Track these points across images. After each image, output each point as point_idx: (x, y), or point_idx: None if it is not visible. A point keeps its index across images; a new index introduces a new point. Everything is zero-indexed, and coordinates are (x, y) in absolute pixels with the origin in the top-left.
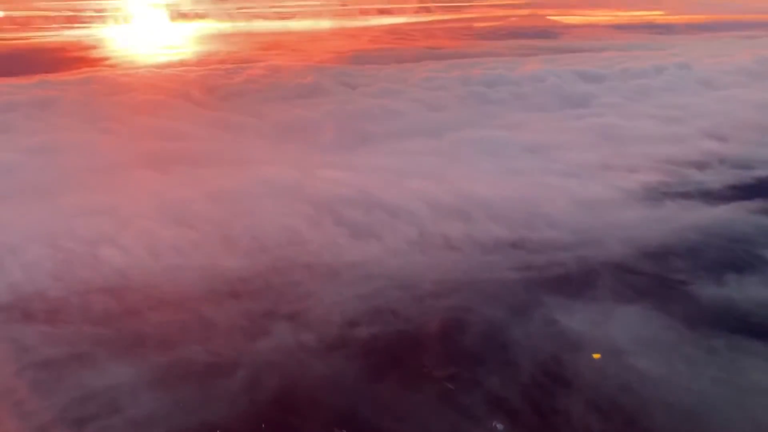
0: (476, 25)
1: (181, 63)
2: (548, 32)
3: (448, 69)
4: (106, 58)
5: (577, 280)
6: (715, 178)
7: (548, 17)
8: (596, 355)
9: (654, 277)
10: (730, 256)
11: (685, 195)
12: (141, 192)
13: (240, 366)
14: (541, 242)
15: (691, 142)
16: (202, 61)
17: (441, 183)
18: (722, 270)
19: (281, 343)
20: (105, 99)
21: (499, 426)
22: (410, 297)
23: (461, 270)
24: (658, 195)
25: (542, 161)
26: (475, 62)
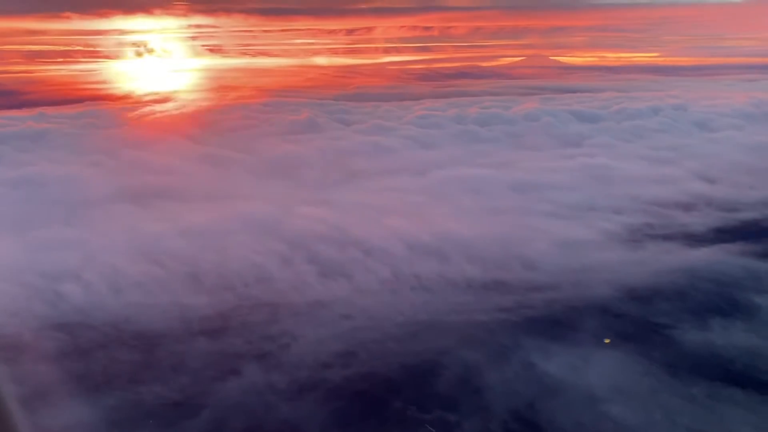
0: (482, 64)
1: (181, 98)
2: (550, 72)
3: (446, 107)
4: (108, 92)
5: (554, 323)
6: (700, 221)
7: (551, 57)
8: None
9: (634, 320)
10: (711, 300)
11: (668, 237)
12: (115, 226)
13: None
14: (517, 284)
15: (680, 184)
16: (200, 97)
17: (420, 221)
18: (704, 314)
19: (241, 384)
20: (99, 132)
21: None
22: (378, 338)
23: (432, 311)
24: (640, 237)
25: (527, 201)
26: (474, 101)
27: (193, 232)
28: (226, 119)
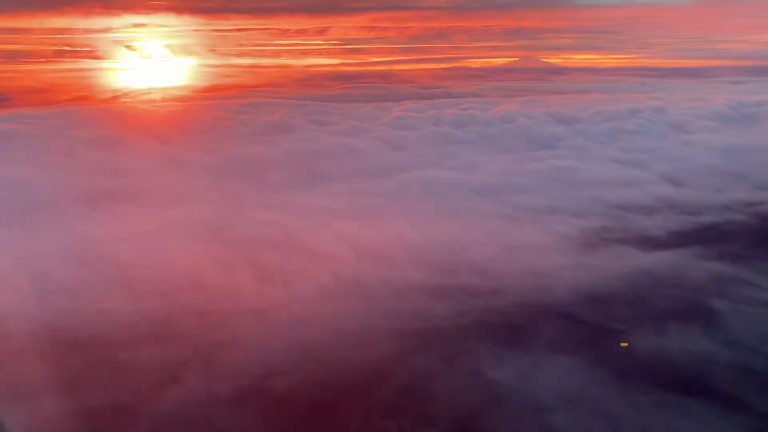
0: (472, 65)
1: (158, 98)
2: (540, 74)
3: (426, 109)
4: (88, 93)
5: (505, 329)
6: (659, 224)
7: (542, 59)
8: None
9: (588, 325)
10: (666, 305)
11: (625, 241)
12: (57, 230)
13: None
14: (463, 289)
15: (645, 187)
16: (178, 97)
17: (374, 225)
18: (660, 319)
19: (180, 393)
20: (67, 133)
21: None
22: (319, 346)
23: (373, 317)
24: (596, 241)
25: (488, 204)
26: (456, 102)
27: (136, 236)
28: (198, 120)
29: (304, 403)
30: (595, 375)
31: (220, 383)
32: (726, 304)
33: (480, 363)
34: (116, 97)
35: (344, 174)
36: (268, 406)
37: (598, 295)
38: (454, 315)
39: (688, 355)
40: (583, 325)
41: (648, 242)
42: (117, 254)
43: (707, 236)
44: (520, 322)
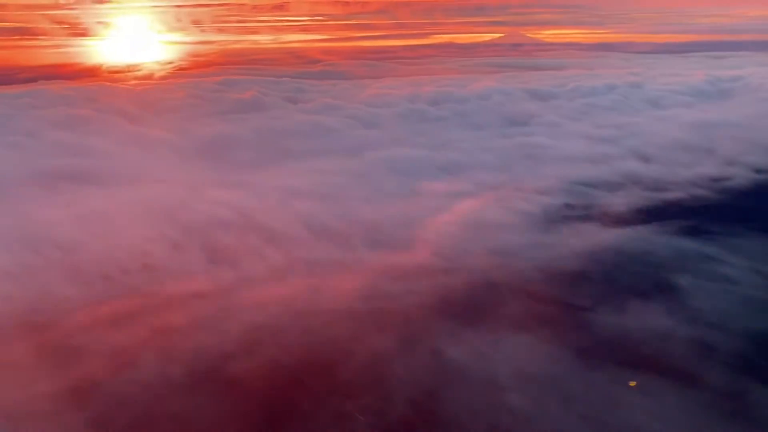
0: (458, 41)
1: (133, 76)
2: (524, 50)
3: (403, 86)
4: (64, 70)
5: (465, 308)
6: (623, 201)
7: (527, 35)
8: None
9: (547, 303)
10: (629, 281)
11: (587, 218)
12: (6, 212)
13: None
14: (418, 268)
15: (614, 163)
16: (154, 74)
17: (333, 205)
18: (616, 296)
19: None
20: (33, 112)
21: None
22: (264, 328)
23: (325, 298)
24: (558, 218)
25: (452, 182)
26: (436, 79)
27: (88, 217)
28: (169, 98)
29: (259, 385)
30: (553, 353)
31: (174, 367)
32: (688, 279)
33: (439, 342)
34: (89, 74)
35: (310, 152)
36: (223, 389)
37: (560, 273)
38: (412, 294)
39: (647, 331)
40: (545, 303)
41: (611, 219)
42: (65, 236)
43: (671, 212)
44: (480, 301)
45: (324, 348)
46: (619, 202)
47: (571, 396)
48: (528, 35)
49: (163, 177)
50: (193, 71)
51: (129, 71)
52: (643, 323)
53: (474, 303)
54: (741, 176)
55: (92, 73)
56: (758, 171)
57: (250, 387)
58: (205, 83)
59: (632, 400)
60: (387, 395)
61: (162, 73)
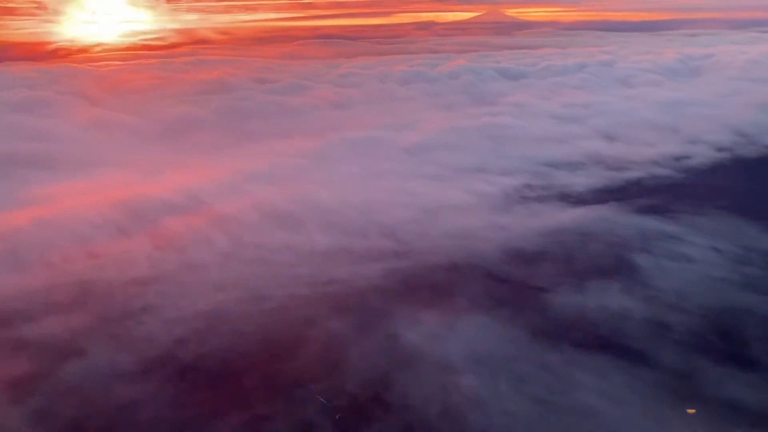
0: (438, 20)
1: (101, 56)
2: (502, 28)
3: (375, 65)
4: (32, 51)
5: (423, 290)
6: (583, 181)
7: (506, 13)
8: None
9: (505, 284)
10: (585, 261)
11: (546, 198)
12: None
13: None
14: (372, 251)
15: (578, 143)
16: (122, 55)
17: (289, 188)
18: (576, 276)
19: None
20: None
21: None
22: (215, 314)
23: (273, 283)
24: (517, 199)
25: (414, 163)
26: (409, 58)
27: (34, 204)
28: (134, 79)
29: (210, 373)
30: (509, 334)
31: (119, 356)
32: (648, 258)
33: (395, 326)
34: (55, 55)
35: (272, 134)
36: (173, 376)
37: (518, 254)
38: (365, 278)
39: (604, 311)
40: (503, 284)
41: (570, 199)
42: (6, 223)
43: (632, 191)
44: (436, 283)
45: (276, 334)
46: (580, 181)
47: (524, 377)
48: (507, 14)
49: (118, 161)
50: (163, 51)
51: (97, 51)
52: (601, 303)
53: (430, 285)
54: (702, 155)
55: (58, 53)
56: (720, 149)
57: (202, 374)
58: (173, 63)
59: (585, 381)
60: (340, 380)
61: (131, 54)
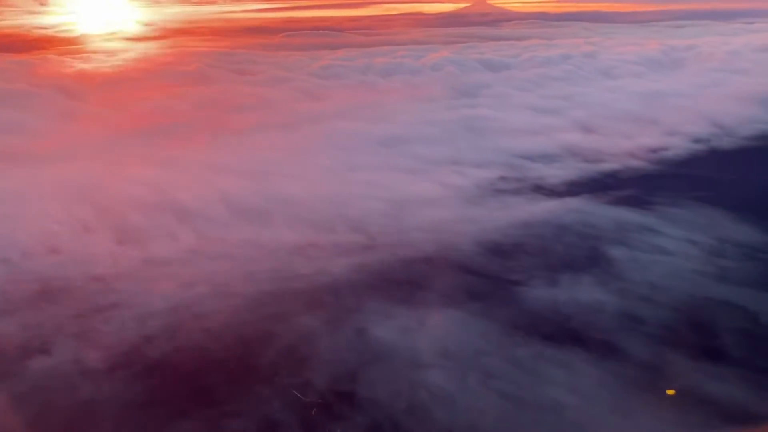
0: (425, 11)
1: (85, 49)
2: (486, 20)
3: (357, 57)
4: (7, 42)
5: (394, 285)
6: (558, 173)
7: (494, 4)
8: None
9: (478, 278)
10: (559, 253)
11: (520, 191)
12: None
13: None
14: (340, 246)
15: (555, 135)
16: (104, 47)
17: (260, 181)
18: (549, 268)
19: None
20: None
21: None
22: (164, 314)
23: (230, 280)
24: (490, 192)
25: (389, 156)
26: (393, 50)
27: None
28: (114, 71)
29: (177, 370)
30: (479, 328)
31: (88, 352)
32: (623, 251)
33: (366, 321)
34: (38, 46)
35: (249, 126)
36: (139, 373)
37: (490, 247)
38: (332, 273)
39: (577, 304)
40: (475, 278)
41: (544, 191)
42: None
43: (606, 183)
44: (406, 278)
45: (240, 331)
46: (555, 174)
47: (493, 372)
48: (495, 5)
49: (88, 154)
50: (145, 43)
51: (79, 43)
52: (573, 296)
53: (400, 280)
54: (679, 146)
55: (39, 44)
56: (696, 141)
57: (169, 371)
58: (154, 55)
59: (553, 376)
60: (308, 378)
61: (113, 45)
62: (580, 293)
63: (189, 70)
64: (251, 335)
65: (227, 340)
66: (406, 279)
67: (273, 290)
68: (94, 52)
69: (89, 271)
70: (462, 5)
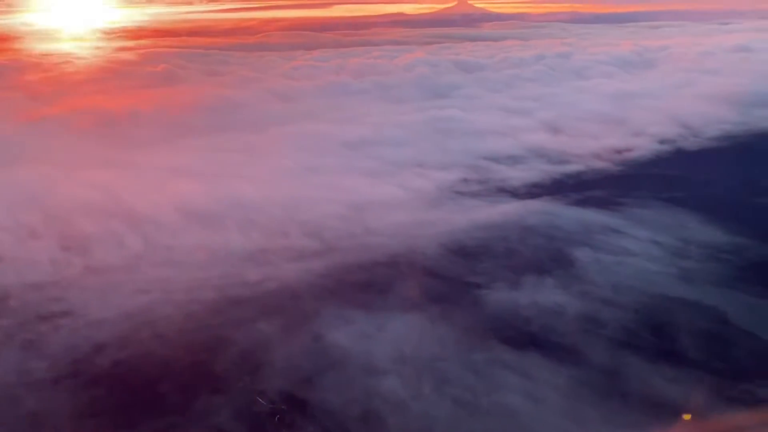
0: (407, 12)
1: (56, 49)
2: (468, 20)
3: (332, 58)
4: None
5: (355, 289)
6: (521, 174)
7: (476, 5)
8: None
9: (435, 282)
10: (522, 255)
11: (482, 193)
12: None
13: None
14: (294, 250)
15: (522, 136)
16: (76, 49)
17: (217, 185)
18: (511, 271)
19: None
20: None
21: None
22: (99, 325)
23: (175, 288)
24: (451, 194)
25: (354, 158)
26: (369, 50)
27: None
28: (81, 72)
29: (125, 379)
30: (438, 333)
31: (33, 363)
32: (586, 252)
33: (323, 327)
34: (6, 48)
35: (212, 128)
36: (86, 383)
37: (450, 250)
38: (280, 279)
39: (538, 308)
40: (434, 281)
41: (506, 193)
42: None
43: (571, 184)
44: (364, 282)
45: (181, 340)
46: (518, 175)
47: (448, 378)
48: (477, 5)
49: (44, 157)
50: (119, 43)
51: (52, 44)
52: (534, 299)
53: (359, 284)
54: (644, 147)
55: (11, 46)
56: (662, 141)
57: (117, 381)
58: (126, 57)
59: (509, 381)
60: (260, 386)
61: (84, 45)
62: (542, 296)
63: (156, 71)
64: (191, 345)
65: (177, 348)
66: (366, 283)
67: (218, 297)
68: (62, 52)
69: (29, 278)
70: (444, 6)
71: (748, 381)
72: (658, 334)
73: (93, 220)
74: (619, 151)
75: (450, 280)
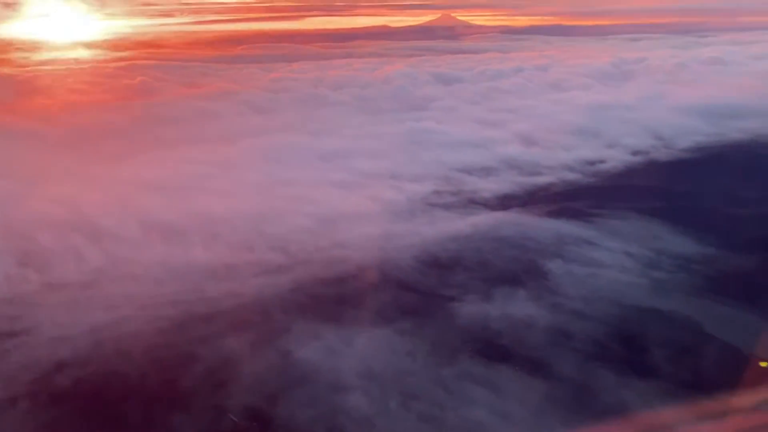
0: (392, 25)
1: (33, 62)
2: (450, 34)
3: (312, 70)
4: None
5: (324, 304)
6: (493, 186)
7: (459, 18)
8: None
9: (405, 295)
10: (493, 268)
11: (450, 205)
12: None
13: None
14: (251, 264)
15: (496, 148)
16: (54, 60)
17: (183, 198)
18: (481, 284)
19: None
20: None
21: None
22: (49, 344)
23: (133, 304)
24: (422, 206)
25: (327, 170)
26: (350, 62)
27: None
28: (56, 85)
29: (86, 399)
30: (406, 347)
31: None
32: (558, 264)
33: (290, 342)
34: None
35: (185, 140)
36: (45, 403)
37: (422, 262)
38: (242, 294)
39: (508, 320)
40: (408, 294)
41: (477, 205)
42: None
43: (542, 196)
44: (331, 296)
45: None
46: (490, 187)
47: (414, 394)
48: (461, 18)
49: (9, 172)
50: (101, 56)
51: (31, 55)
52: (505, 312)
53: (328, 298)
54: (616, 159)
55: None
56: (634, 153)
57: (78, 401)
58: (105, 69)
59: (477, 396)
60: (224, 404)
61: (65, 58)
62: (513, 308)
63: (132, 84)
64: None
65: (140, 366)
66: (335, 297)
67: (181, 314)
68: (39, 63)
69: None
70: (428, 18)
71: (719, 391)
72: (628, 346)
73: (53, 235)
74: (592, 163)
75: (421, 292)
